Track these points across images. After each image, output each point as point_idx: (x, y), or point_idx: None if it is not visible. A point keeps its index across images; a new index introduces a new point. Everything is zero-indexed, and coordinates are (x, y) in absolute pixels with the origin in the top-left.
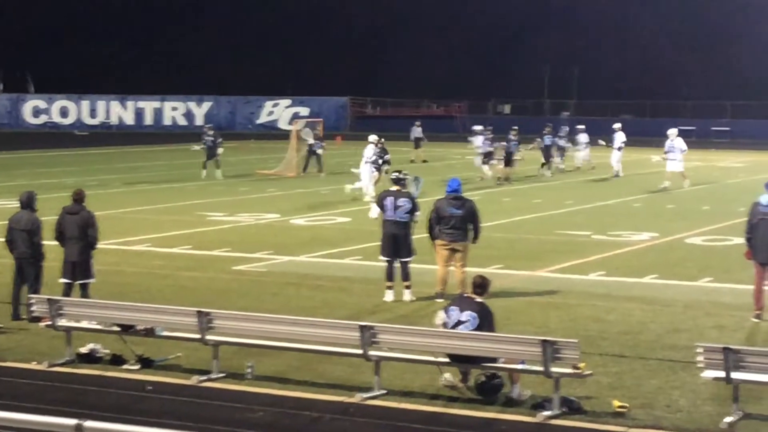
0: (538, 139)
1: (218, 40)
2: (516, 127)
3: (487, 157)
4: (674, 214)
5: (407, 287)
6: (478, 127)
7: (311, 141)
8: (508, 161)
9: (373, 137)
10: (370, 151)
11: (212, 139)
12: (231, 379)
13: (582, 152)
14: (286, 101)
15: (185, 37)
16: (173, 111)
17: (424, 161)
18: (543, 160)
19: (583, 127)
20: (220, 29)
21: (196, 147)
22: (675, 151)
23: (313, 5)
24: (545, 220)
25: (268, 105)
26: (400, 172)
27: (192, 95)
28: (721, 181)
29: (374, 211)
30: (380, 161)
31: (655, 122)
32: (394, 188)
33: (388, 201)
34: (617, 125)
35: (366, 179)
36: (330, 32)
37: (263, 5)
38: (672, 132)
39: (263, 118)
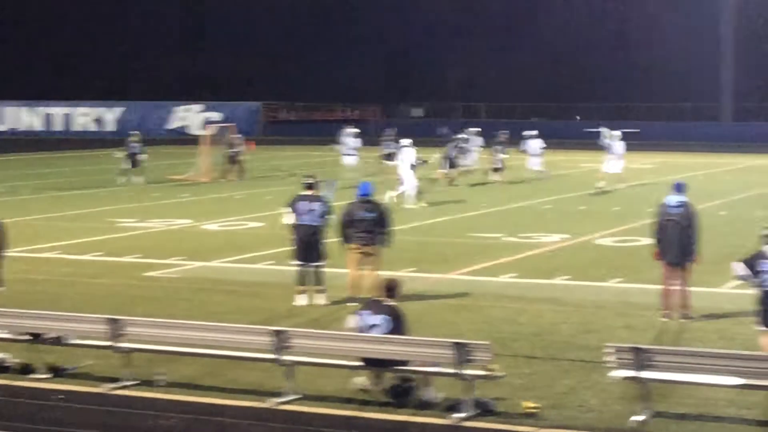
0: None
1: (129, 46)
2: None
3: (388, 157)
4: (584, 215)
5: (320, 291)
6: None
7: (235, 149)
8: (453, 165)
9: (407, 141)
10: (410, 155)
11: (138, 146)
12: (143, 386)
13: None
14: (198, 106)
15: (96, 42)
16: (83, 117)
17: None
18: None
19: (478, 129)
20: (131, 34)
21: (119, 154)
22: (614, 152)
23: (226, 10)
24: (457, 223)
25: (180, 110)
26: (312, 176)
27: (102, 101)
28: (630, 182)
29: (289, 218)
30: (414, 165)
31: (564, 124)
32: (307, 192)
33: (301, 205)
34: (532, 132)
35: (409, 184)
36: (241, 36)
37: (175, 9)
38: (615, 134)
39: (175, 124)
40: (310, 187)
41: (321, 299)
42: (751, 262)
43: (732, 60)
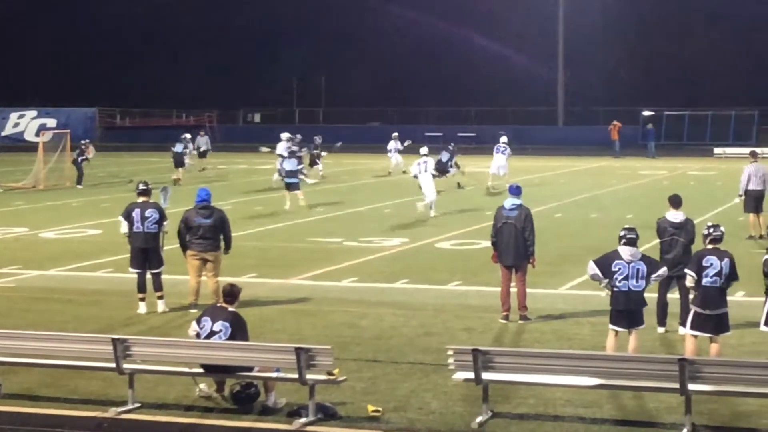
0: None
1: None
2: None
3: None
4: (424, 219)
5: (160, 297)
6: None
7: (74, 156)
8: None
9: (425, 149)
10: (432, 163)
11: None
12: None
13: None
14: (32, 112)
15: None
16: None
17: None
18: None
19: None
20: None
21: None
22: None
23: (57, 13)
24: (297, 228)
25: (14, 116)
26: (144, 182)
27: None
28: (468, 185)
29: (123, 227)
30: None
31: (402, 129)
32: (141, 199)
33: (136, 213)
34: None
35: (432, 192)
36: (76, 41)
37: (2, 14)
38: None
39: (8, 130)
40: (143, 193)
41: (161, 305)
42: (604, 262)
43: (562, 65)
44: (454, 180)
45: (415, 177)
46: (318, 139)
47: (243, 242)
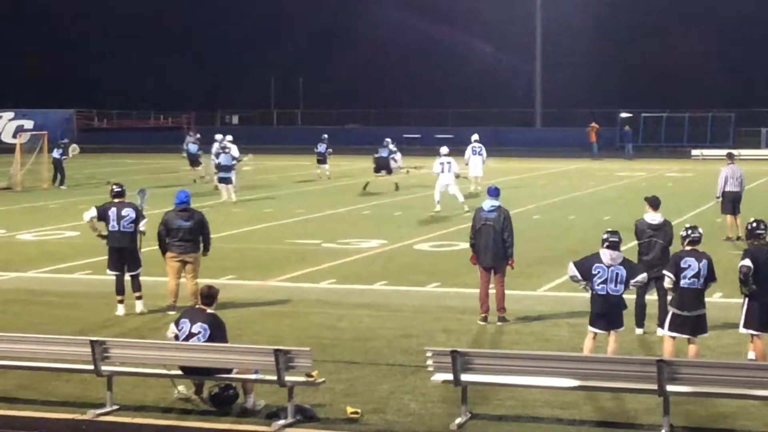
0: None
1: None
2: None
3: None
4: (402, 221)
5: (138, 298)
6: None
7: (56, 155)
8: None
9: (445, 149)
10: (455, 164)
11: None
12: None
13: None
14: (9, 114)
15: None
16: None
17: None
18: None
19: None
20: None
21: None
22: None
23: (32, 12)
24: (275, 230)
25: None
26: (118, 184)
27: None
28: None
29: (89, 214)
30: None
31: (380, 130)
32: (117, 200)
33: (112, 212)
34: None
35: (458, 192)
36: (52, 42)
37: None
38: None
39: None
40: (118, 195)
41: (140, 306)
42: (585, 265)
43: (540, 66)
44: (393, 179)
45: (438, 175)
46: (325, 138)
47: (222, 244)
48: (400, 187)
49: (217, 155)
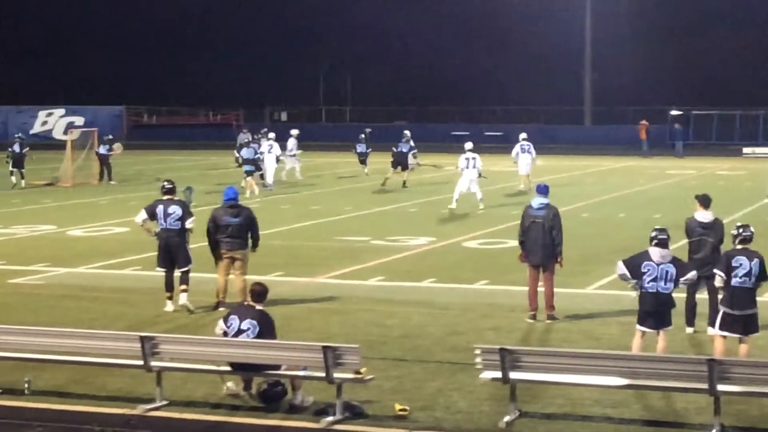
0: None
1: None
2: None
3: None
4: (450, 218)
5: (184, 291)
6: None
7: (102, 151)
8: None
9: (469, 144)
10: (480, 161)
11: (19, 147)
12: (8, 395)
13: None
14: (60, 110)
15: None
16: None
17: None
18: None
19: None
20: None
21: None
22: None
23: (84, 11)
24: (324, 227)
25: (42, 115)
26: (169, 181)
27: None
28: (494, 185)
29: (140, 216)
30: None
31: (428, 127)
32: (165, 197)
33: (159, 210)
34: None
35: (479, 189)
36: (104, 40)
37: (31, 12)
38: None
39: (37, 129)
40: (168, 192)
41: (183, 298)
42: (634, 263)
43: (590, 64)
44: (406, 176)
45: (462, 170)
46: (362, 138)
47: (270, 241)
48: (408, 185)
49: (240, 149)
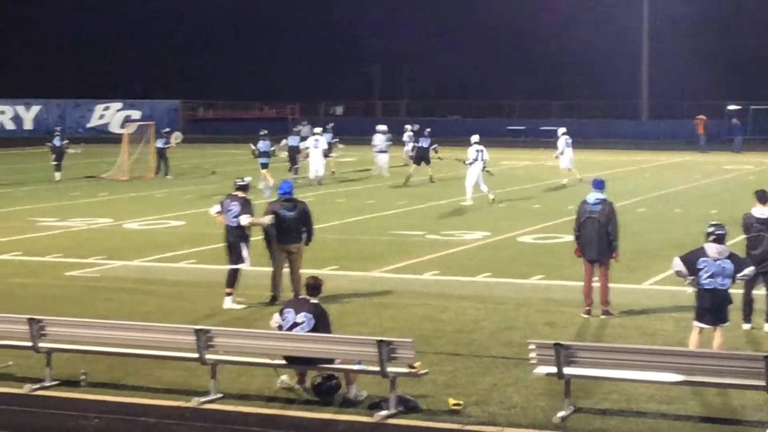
0: (284, 141)
1: (46, 43)
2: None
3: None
4: (506, 212)
5: (228, 294)
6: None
7: (159, 145)
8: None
9: (476, 137)
10: (486, 154)
11: (60, 141)
12: (64, 386)
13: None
14: (117, 104)
15: (12, 39)
16: (0, 115)
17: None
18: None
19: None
20: (48, 31)
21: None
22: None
23: (140, 6)
24: (379, 221)
25: (99, 108)
26: (241, 178)
27: (20, 99)
28: (550, 179)
29: (214, 209)
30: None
31: (483, 122)
32: (234, 193)
33: (223, 206)
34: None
35: (483, 182)
36: (158, 34)
37: (89, 7)
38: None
39: (94, 122)
40: (240, 188)
41: (227, 302)
42: (690, 259)
43: (647, 58)
44: (430, 172)
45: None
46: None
47: (324, 234)
48: (435, 180)
49: (255, 141)
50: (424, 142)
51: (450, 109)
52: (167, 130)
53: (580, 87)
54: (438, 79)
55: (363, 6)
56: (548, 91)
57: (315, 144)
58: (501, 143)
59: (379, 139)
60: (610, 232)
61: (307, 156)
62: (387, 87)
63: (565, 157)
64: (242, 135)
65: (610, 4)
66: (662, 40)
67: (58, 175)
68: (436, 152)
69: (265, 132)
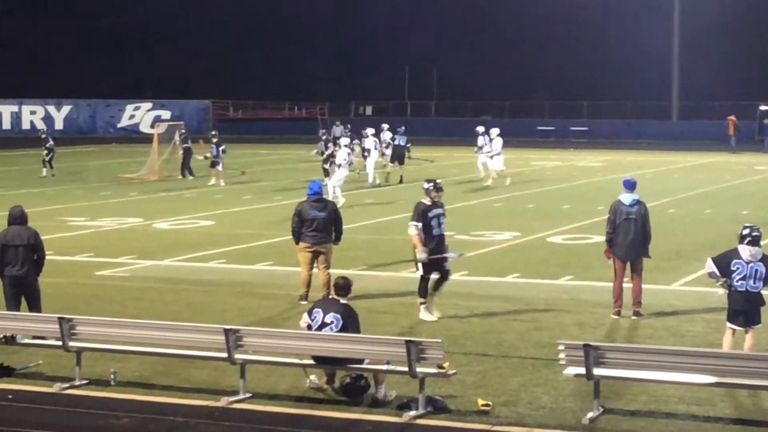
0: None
1: (77, 43)
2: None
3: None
4: (535, 213)
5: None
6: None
7: (188, 145)
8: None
9: (481, 128)
10: (487, 139)
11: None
12: (94, 385)
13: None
14: (147, 104)
15: (44, 38)
16: (32, 115)
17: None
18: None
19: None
20: (80, 31)
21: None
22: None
23: (171, 6)
24: (407, 221)
25: (129, 108)
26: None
27: (51, 99)
28: (580, 180)
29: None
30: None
31: (514, 122)
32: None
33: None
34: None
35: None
36: (189, 34)
37: (120, 7)
38: (493, 131)
39: (125, 122)
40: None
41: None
42: (723, 261)
43: (677, 59)
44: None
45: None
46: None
47: (353, 235)
48: (404, 180)
49: (334, 141)
50: (400, 140)
51: (480, 110)
52: (214, 132)
53: (610, 87)
54: (468, 79)
55: (392, 5)
56: (578, 91)
57: (375, 145)
58: (531, 144)
59: (370, 143)
60: (646, 232)
61: (367, 157)
62: (416, 87)
63: (500, 157)
64: (272, 135)
65: (641, 5)
66: (693, 40)
67: (45, 171)
68: (409, 151)
69: (341, 132)
